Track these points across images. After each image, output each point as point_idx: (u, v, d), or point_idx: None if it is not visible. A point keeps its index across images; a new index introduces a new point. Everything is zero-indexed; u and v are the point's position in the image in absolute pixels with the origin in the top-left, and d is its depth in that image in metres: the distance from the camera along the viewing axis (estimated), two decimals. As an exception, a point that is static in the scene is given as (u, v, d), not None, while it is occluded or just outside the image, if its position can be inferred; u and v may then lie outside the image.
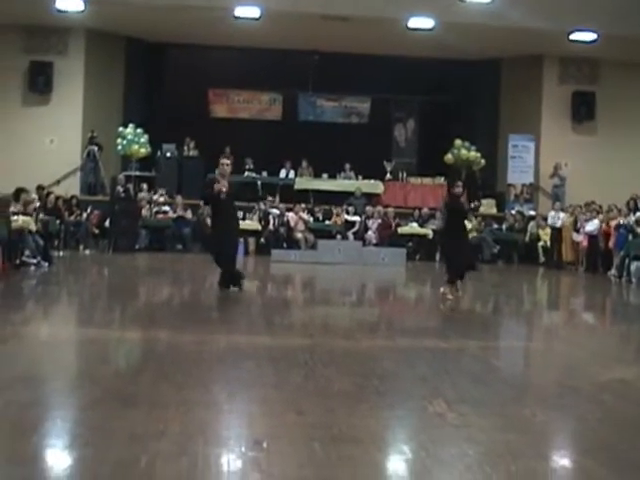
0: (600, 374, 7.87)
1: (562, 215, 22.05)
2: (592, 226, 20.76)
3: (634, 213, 20.24)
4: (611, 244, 19.87)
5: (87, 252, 21.07)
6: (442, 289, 13.48)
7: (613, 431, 5.64)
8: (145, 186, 23.44)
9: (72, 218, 21.64)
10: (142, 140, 23.71)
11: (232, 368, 7.26)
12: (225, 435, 5.20)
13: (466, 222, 15.15)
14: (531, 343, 9.65)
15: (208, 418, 5.48)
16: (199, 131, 25.05)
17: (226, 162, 13.45)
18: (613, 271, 19.36)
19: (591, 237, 20.72)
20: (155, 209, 22.61)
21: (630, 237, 19.12)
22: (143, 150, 23.76)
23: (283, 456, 4.70)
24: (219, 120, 26.36)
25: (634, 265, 18.14)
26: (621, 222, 19.93)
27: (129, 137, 23.58)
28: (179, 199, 22.87)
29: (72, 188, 23.31)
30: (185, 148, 25.10)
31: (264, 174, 24.61)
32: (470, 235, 22.55)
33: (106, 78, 24.75)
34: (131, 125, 23.83)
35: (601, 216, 20.84)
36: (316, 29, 22.94)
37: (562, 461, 5.11)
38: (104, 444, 4.80)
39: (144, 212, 22.32)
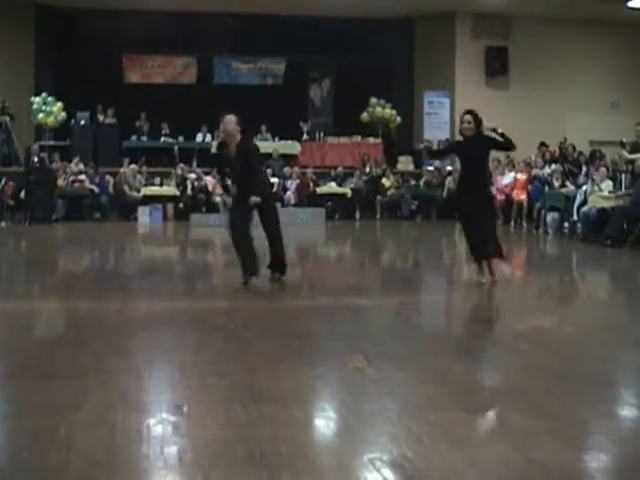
0: (519, 324, 8.01)
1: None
2: (508, 179, 21.02)
3: (549, 165, 20.53)
4: (524, 196, 20.18)
5: (3, 224, 20.68)
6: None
7: (531, 380, 5.74)
8: (57, 155, 23.03)
9: (-14, 190, 21.24)
10: (49, 109, 23.28)
11: (152, 334, 7.22)
12: (145, 401, 5.18)
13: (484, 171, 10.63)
14: (450, 297, 9.77)
15: (128, 385, 5.43)
16: (114, 98, 24.71)
17: (228, 120, 9.97)
18: (524, 223, 19.79)
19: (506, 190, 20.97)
20: (71, 178, 22.25)
21: (546, 189, 19.42)
22: (51, 119, 23.34)
23: (203, 419, 4.70)
24: (134, 86, 26.00)
25: (550, 216, 18.43)
26: (536, 174, 20.21)
27: (35, 107, 23.17)
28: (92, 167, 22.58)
29: (-15, 160, 22.87)
30: (102, 116, 24.79)
31: (180, 139, 24.43)
32: (389, 192, 22.83)
33: (15, 46, 24.24)
34: (43, 94, 23.41)
35: (518, 168, 21.09)
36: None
37: (481, 411, 5.19)
38: (22, 416, 4.76)
39: (60, 182, 21.96)
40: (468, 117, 10.06)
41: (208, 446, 4.25)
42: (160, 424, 4.61)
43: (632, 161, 17.17)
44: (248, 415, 4.74)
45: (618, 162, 18.71)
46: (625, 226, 15.36)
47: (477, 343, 7.21)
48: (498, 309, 9.15)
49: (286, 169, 23.42)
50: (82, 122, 24.19)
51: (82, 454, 4.12)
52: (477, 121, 10.05)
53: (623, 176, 17.12)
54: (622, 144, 18.90)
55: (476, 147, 10.08)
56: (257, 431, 4.47)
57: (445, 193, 22.58)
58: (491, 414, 5.15)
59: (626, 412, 5.12)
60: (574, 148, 22.00)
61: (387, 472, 3.91)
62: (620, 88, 25.52)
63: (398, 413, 4.83)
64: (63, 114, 23.65)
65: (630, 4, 23.44)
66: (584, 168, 19.71)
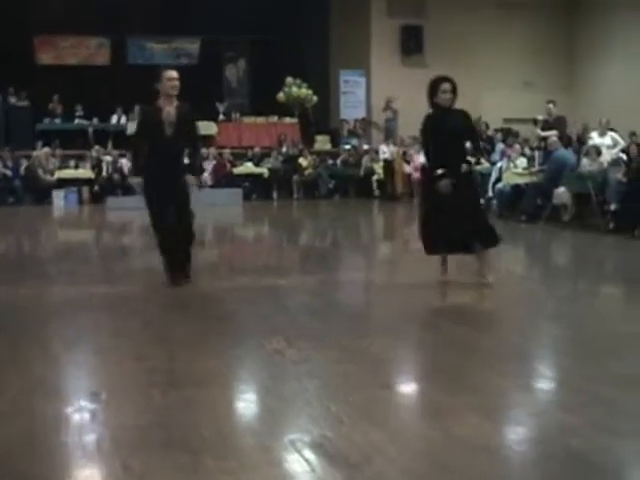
0: (436, 301, 8.11)
1: (391, 148, 22.41)
2: (424, 157, 21.13)
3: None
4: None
5: None
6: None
7: (451, 355, 5.81)
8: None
9: None
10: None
11: (69, 320, 7.13)
12: (63, 389, 5.13)
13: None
14: (368, 275, 9.81)
15: (45, 373, 5.36)
16: (26, 80, 24.20)
17: (173, 75, 8.68)
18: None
19: (423, 168, 21.08)
20: (-18, 162, 21.80)
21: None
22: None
23: (122, 405, 4.65)
24: (46, 67, 25.50)
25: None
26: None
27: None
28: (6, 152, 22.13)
29: None
30: (14, 98, 24.30)
31: (95, 121, 24.09)
32: (306, 172, 22.82)
33: None
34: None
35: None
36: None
37: (400, 387, 5.24)
38: None
39: (-29, 166, 21.52)
40: (447, 85, 8.61)
41: (127, 433, 4.22)
42: (78, 412, 4.56)
43: (544, 138, 17.43)
44: (167, 400, 4.72)
45: (530, 139, 19.02)
46: (539, 202, 15.60)
47: (396, 321, 7.25)
48: (415, 286, 9.19)
49: (202, 150, 23.24)
50: (-8, 105, 23.74)
51: (0, 444, 4.07)
52: (455, 90, 8.65)
53: (536, 153, 17.38)
54: (535, 122, 19.18)
55: (458, 120, 8.79)
56: (177, 416, 4.45)
57: (362, 172, 22.68)
58: (411, 391, 5.21)
59: (542, 384, 5.23)
60: (487, 126, 22.26)
61: (308, 453, 3.92)
62: (533, 67, 25.81)
63: (317, 394, 4.86)
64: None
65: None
66: (498, 145, 19.95)
